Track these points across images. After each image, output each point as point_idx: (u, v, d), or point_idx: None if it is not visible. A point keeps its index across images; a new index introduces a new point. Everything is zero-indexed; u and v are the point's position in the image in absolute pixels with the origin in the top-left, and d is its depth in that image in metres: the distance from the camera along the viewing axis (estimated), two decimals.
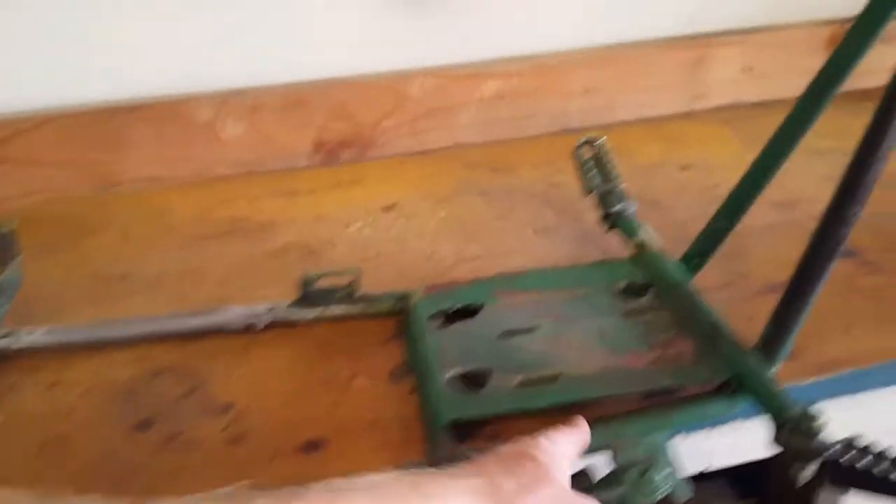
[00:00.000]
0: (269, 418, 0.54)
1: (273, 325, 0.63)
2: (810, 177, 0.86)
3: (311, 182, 0.90)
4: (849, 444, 0.42)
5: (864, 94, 0.79)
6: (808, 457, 0.43)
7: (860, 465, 0.40)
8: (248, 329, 0.62)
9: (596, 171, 0.70)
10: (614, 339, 0.55)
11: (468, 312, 0.60)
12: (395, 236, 0.78)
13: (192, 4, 0.85)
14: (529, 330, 0.57)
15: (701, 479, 0.95)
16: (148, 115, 0.86)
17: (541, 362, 0.53)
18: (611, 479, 0.48)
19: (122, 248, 0.76)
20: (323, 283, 0.63)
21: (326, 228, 0.79)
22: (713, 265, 0.66)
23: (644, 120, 1.02)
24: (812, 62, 1.03)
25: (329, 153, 0.94)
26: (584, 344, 0.55)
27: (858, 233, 0.74)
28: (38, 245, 0.74)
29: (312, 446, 0.52)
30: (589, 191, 0.70)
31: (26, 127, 0.83)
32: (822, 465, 0.43)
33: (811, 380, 0.56)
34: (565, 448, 0.43)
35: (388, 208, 0.83)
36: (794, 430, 0.44)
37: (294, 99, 0.90)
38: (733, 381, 0.51)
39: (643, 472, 0.48)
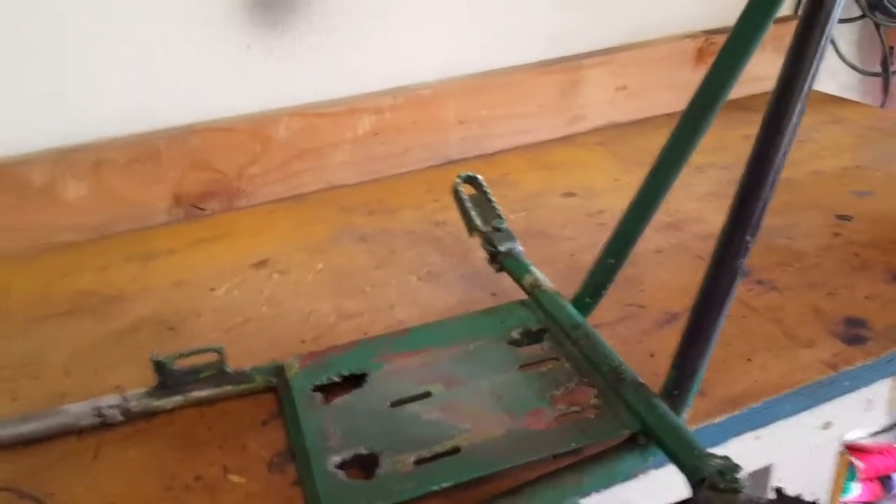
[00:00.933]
0: None
1: (128, 420, 0.54)
2: (692, 195, 0.85)
3: (169, 241, 0.81)
4: (777, 497, 0.39)
5: (733, 105, 0.79)
6: None
7: None
8: (98, 426, 0.53)
9: (477, 210, 0.65)
10: (512, 399, 0.50)
11: (350, 383, 0.53)
12: (268, 297, 0.70)
13: (25, 51, 0.76)
14: (420, 397, 0.51)
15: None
16: None
17: (436, 435, 0.48)
18: None
19: None
20: (184, 364, 0.55)
21: (187, 296, 0.71)
22: (607, 298, 0.62)
23: (523, 146, 0.99)
24: (682, 76, 1.04)
25: (191, 207, 0.86)
26: (481, 408, 0.50)
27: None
28: None
29: None
30: (472, 231, 0.65)
31: None
32: None
33: (721, 418, 0.53)
34: None
35: (259, 265, 0.76)
36: (714, 488, 0.41)
37: (145, 150, 0.81)
38: (642, 434, 0.47)
39: None
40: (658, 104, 1.06)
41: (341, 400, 0.52)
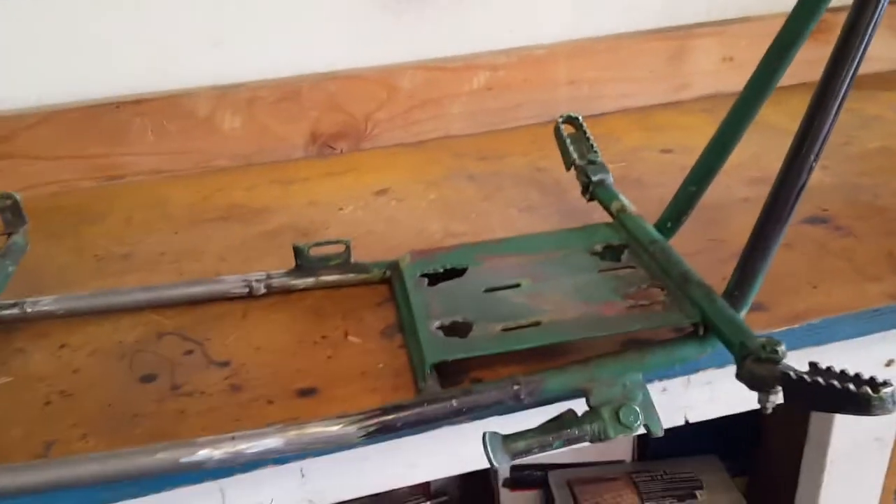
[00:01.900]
0: (265, 371, 0.57)
1: (270, 293, 0.66)
2: (783, 156, 0.89)
3: (305, 171, 0.93)
4: (810, 367, 0.45)
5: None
6: (770, 383, 0.46)
7: (820, 382, 0.42)
8: (246, 296, 0.65)
9: (575, 146, 0.73)
10: (590, 292, 0.58)
11: (453, 275, 0.63)
12: (387, 217, 0.81)
13: (193, 3, 0.89)
14: (510, 287, 0.60)
15: (694, 454, 0.98)
16: (149, 110, 0.90)
17: (522, 312, 0.56)
18: (588, 418, 0.51)
19: (124, 233, 0.80)
20: (317, 252, 0.66)
21: (319, 212, 0.83)
22: (691, 234, 0.69)
23: (628, 109, 1.05)
24: None
25: (323, 145, 0.98)
26: (562, 297, 0.58)
27: (831, 201, 0.78)
28: (42, 233, 0.77)
29: (307, 392, 0.54)
30: (570, 165, 0.73)
31: (30, 123, 0.87)
32: (786, 390, 0.45)
33: (780, 329, 0.59)
34: None
35: (380, 192, 0.87)
36: (757, 359, 0.47)
37: (289, 92, 0.94)
38: (703, 325, 0.54)
39: (618, 409, 0.51)
40: None
41: (444, 284, 0.61)
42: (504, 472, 0.96)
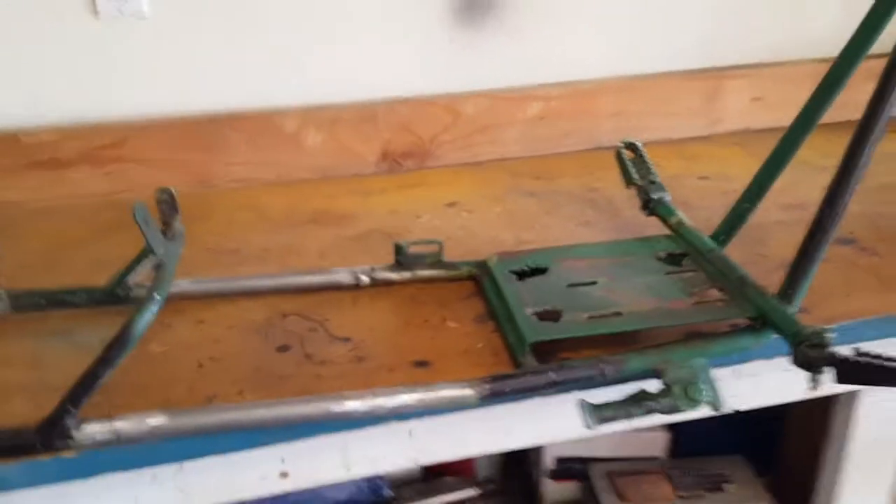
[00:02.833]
0: (382, 346, 0.67)
1: (373, 284, 0.76)
2: (815, 187, 1.00)
3: (379, 184, 1.03)
4: (854, 350, 0.55)
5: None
6: (822, 363, 0.56)
7: (865, 361, 0.52)
8: (353, 286, 0.75)
9: (635, 168, 0.83)
10: (660, 290, 0.68)
11: (536, 272, 0.73)
12: (461, 225, 0.91)
13: (285, 33, 1.00)
14: (589, 284, 0.70)
15: (721, 454, 1.07)
16: (243, 125, 1.00)
17: (603, 305, 0.66)
18: (662, 393, 0.61)
19: (228, 231, 0.89)
20: (414, 250, 0.76)
21: (400, 219, 0.93)
22: (737, 249, 0.79)
23: (667, 141, 1.16)
24: None
25: (393, 162, 1.08)
26: (636, 294, 0.68)
27: (857, 227, 0.89)
28: None
29: (421, 364, 0.64)
30: (630, 183, 0.83)
31: (139, 131, 0.97)
32: (837, 369, 0.55)
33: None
34: None
35: (451, 205, 0.97)
36: (810, 345, 0.57)
37: (367, 114, 1.04)
38: (758, 320, 0.64)
39: (687, 387, 0.61)
40: (790, 117, 1.20)
41: (531, 280, 0.71)
42: (549, 463, 1.05)
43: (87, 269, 0.80)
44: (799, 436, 1.04)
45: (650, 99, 1.14)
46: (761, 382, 0.73)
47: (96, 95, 0.97)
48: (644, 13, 1.13)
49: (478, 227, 0.91)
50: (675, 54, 1.16)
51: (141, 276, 0.72)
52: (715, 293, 0.68)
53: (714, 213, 0.92)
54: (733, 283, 0.67)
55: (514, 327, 0.65)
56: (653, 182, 0.80)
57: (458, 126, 1.09)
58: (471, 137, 1.10)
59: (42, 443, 0.54)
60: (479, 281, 0.75)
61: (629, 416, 0.60)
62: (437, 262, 0.77)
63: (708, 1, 1.14)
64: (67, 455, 0.55)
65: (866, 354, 0.54)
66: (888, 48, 0.62)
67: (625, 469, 1.02)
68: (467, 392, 0.59)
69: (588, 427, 0.58)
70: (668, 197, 0.80)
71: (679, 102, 1.16)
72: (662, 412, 0.61)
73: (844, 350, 0.56)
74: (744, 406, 0.75)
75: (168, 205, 0.68)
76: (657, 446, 1.05)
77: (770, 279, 0.76)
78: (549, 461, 1.05)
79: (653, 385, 0.62)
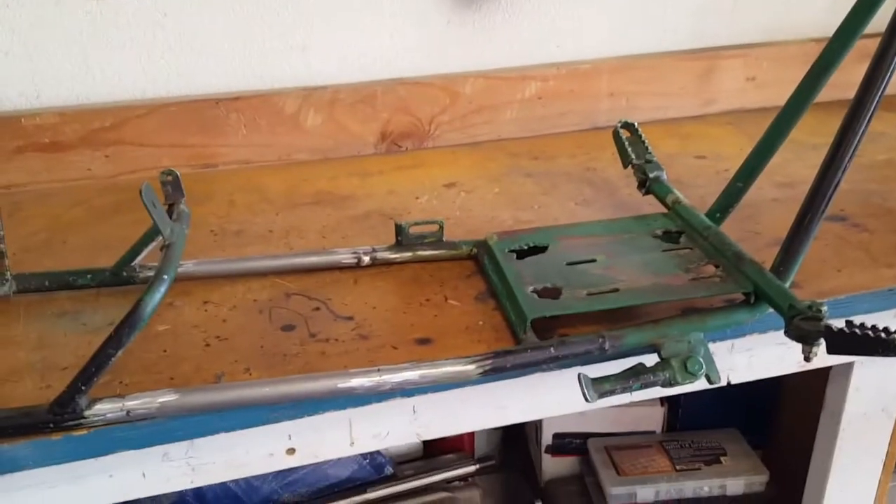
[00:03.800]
0: (385, 324, 0.68)
1: (374, 264, 0.77)
2: (806, 165, 1.01)
3: (378, 165, 1.04)
4: (846, 323, 0.56)
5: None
6: (817, 336, 0.57)
7: (858, 332, 0.54)
8: (354, 266, 0.76)
9: (632, 147, 0.84)
10: (657, 266, 0.70)
11: (536, 251, 0.74)
12: (460, 206, 0.92)
13: (285, 12, 1.01)
14: (588, 261, 0.71)
15: (717, 427, 1.09)
16: (244, 106, 1.01)
17: (601, 281, 0.68)
18: (660, 367, 0.62)
19: (231, 213, 0.90)
20: (415, 230, 0.77)
21: (399, 200, 0.94)
22: (730, 226, 0.80)
23: (662, 120, 1.17)
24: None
25: (391, 143, 1.09)
26: (634, 270, 0.69)
27: (848, 204, 0.90)
28: None
29: (424, 341, 0.65)
30: (627, 163, 0.84)
31: (139, 113, 0.98)
32: (829, 341, 0.56)
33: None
34: None
35: (449, 185, 0.98)
36: (804, 318, 0.58)
37: (366, 95, 1.05)
38: (753, 295, 0.65)
39: (685, 361, 0.62)
40: (783, 96, 1.20)
41: (530, 258, 0.73)
42: (546, 439, 1.07)
43: (90, 251, 0.82)
44: (793, 408, 1.06)
45: (645, 79, 1.15)
46: (756, 356, 0.75)
47: (96, 77, 0.97)
48: None
49: (476, 207, 0.92)
50: (670, 34, 1.17)
51: (145, 257, 0.73)
52: (711, 269, 0.69)
53: (709, 192, 0.93)
54: (729, 260, 0.69)
55: (515, 305, 0.66)
56: (649, 161, 0.82)
57: (456, 107, 1.10)
58: (468, 118, 1.11)
59: (54, 422, 0.55)
60: (480, 260, 0.76)
61: (627, 389, 0.61)
62: (437, 241, 0.78)
63: None
64: (79, 433, 0.56)
65: (859, 326, 0.55)
66: (881, 28, 0.63)
67: (622, 443, 1.04)
68: (470, 367, 0.60)
69: (587, 400, 0.59)
70: (664, 175, 0.82)
71: (673, 82, 1.17)
72: (660, 385, 0.62)
73: (837, 323, 0.58)
74: (739, 379, 0.76)
75: (173, 186, 0.68)
76: (654, 421, 1.07)
77: (762, 255, 0.77)
78: (547, 437, 1.07)
79: (650, 359, 0.63)
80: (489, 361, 0.60)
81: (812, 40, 1.21)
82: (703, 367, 0.62)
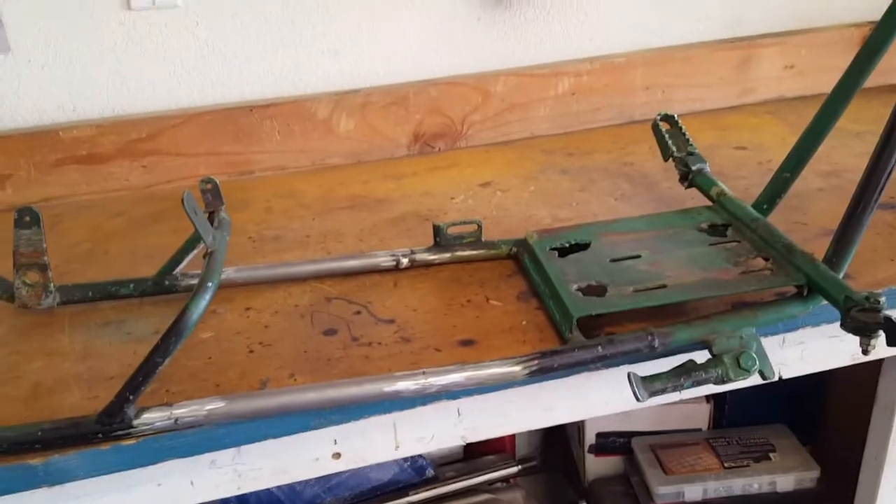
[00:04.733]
0: (427, 326, 0.67)
1: (413, 266, 0.76)
2: (850, 153, 0.99)
3: (411, 167, 1.04)
4: None
5: (891, 89, 0.92)
6: (876, 328, 0.55)
7: None
8: (393, 268, 0.75)
9: (672, 140, 0.83)
10: (704, 261, 0.68)
11: (578, 249, 0.73)
12: (496, 205, 0.91)
13: (315, 18, 1.00)
14: (632, 257, 0.70)
15: (763, 423, 1.07)
16: (277, 113, 1.01)
17: (648, 277, 0.66)
18: (712, 363, 0.61)
19: (268, 219, 0.90)
20: (453, 230, 0.76)
21: (435, 201, 0.93)
22: (777, 217, 0.79)
23: (699, 112, 1.15)
24: (847, 60, 1.18)
25: (424, 144, 1.08)
26: (680, 266, 0.68)
27: None
28: None
29: (467, 343, 0.65)
30: (668, 156, 0.82)
31: (174, 123, 0.98)
32: (888, 332, 0.54)
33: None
34: None
35: (485, 185, 0.97)
36: (861, 309, 0.57)
37: (398, 97, 1.04)
38: (806, 287, 0.63)
39: (737, 357, 0.60)
40: (823, 83, 1.18)
41: (572, 256, 0.71)
42: (590, 439, 1.06)
43: (131, 260, 0.82)
44: (841, 402, 1.03)
45: (681, 71, 1.13)
46: (808, 350, 0.73)
47: (130, 88, 0.98)
48: None
49: (513, 206, 0.91)
50: (704, 24, 1.15)
51: (186, 265, 0.73)
52: (760, 262, 0.67)
53: (752, 183, 0.91)
54: (779, 252, 0.67)
55: (560, 303, 0.65)
56: (691, 153, 0.80)
57: (488, 105, 1.09)
58: (501, 116, 1.10)
59: (103, 432, 0.55)
60: (520, 259, 0.75)
61: (679, 387, 0.60)
62: (476, 241, 0.77)
63: None
64: (127, 443, 0.56)
65: None
66: None
67: (668, 442, 1.02)
68: (516, 368, 0.59)
69: (638, 399, 0.58)
70: (707, 168, 0.80)
71: (710, 73, 1.14)
72: (713, 382, 0.60)
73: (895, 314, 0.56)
74: (791, 374, 0.74)
75: (213, 194, 0.68)
76: (699, 418, 1.05)
77: (811, 246, 0.75)
78: (590, 437, 1.06)
79: (700, 356, 0.62)
80: (535, 362, 0.59)
81: (852, 25, 1.18)
82: (757, 362, 0.60)
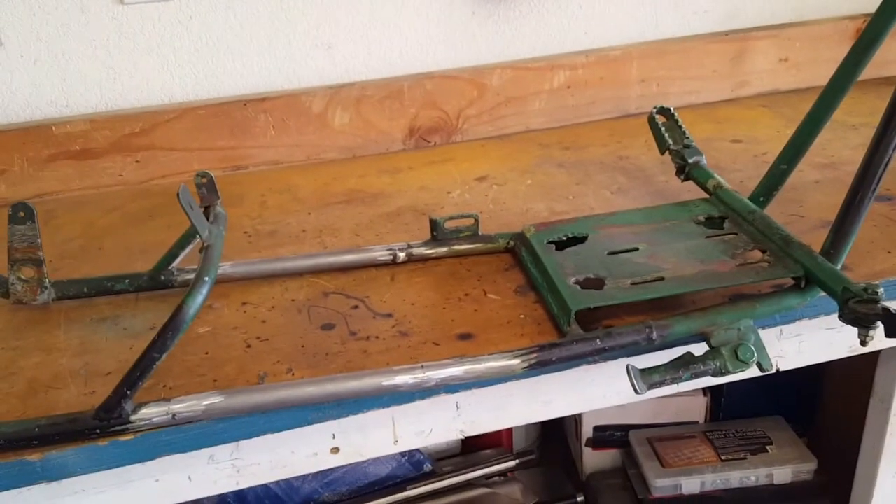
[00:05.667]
0: (425, 320, 0.67)
1: (410, 260, 0.76)
2: (847, 145, 0.99)
3: (407, 162, 1.03)
4: None
5: (886, 81, 0.91)
6: (874, 319, 0.55)
7: None
8: (390, 262, 0.75)
9: (669, 133, 0.83)
10: (702, 253, 0.68)
11: (575, 242, 0.72)
12: (492, 199, 0.91)
13: (309, 11, 1.00)
14: (630, 250, 0.70)
15: (760, 415, 1.07)
16: (272, 107, 1.00)
17: (645, 270, 0.66)
18: (710, 356, 0.61)
19: (264, 214, 0.90)
20: (450, 224, 0.76)
21: (431, 195, 0.93)
22: (774, 209, 0.79)
23: (694, 105, 1.15)
24: (842, 52, 1.18)
25: (419, 138, 1.08)
26: (678, 258, 0.68)
27: (893, 184, 0.87)
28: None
29: (465, 336, 0.64)
30: (664, 149, 0.82)
31: (168, 118, 0.98)
32: (887, 324, 0.54)
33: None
34: None
35: (481, 179, 0.97)
36: (859, 301, 0.57)
37: (393, 91, 1.04)
38: (804, 278, 0.64)
39: (735, 349, 0.60)
40: (818, 76, 1.19)
41: (570, 249, 0.71)
42: (587, 432, 1.06)
43: (126, 256, 0.82)
44: (838, 394, 1.03)
45: (676, 64, 1.13)
46: (805, 342, 0.73)
47: (124, 82, 0.97)
48: None
49: (509, 199, 0.90)
50: (700, 17, 1.15)
51: (182, 260, 0.73)
52: (758, 254, 0.67)
53: (748, 176, 0.91)
54: (777, 244, 0.67)
55: (558, 297, 0.65)
56: (688, 146, 0.80)
57: (484, 99, 1.09)
58: (497, 110, 1.10)
59: (100, 427, 0.55)
60: (517, 253, 0.75)
61: (677, 379, 0.60)
62: (473, 235, 0.77)
63: None
64: (125, 438, 0.56)
65: None
66: None
67: (665, 435, 1.03)
68: (514, 362, 0.59)
69: (637, 392, 0.58)
70: (704, 160, 0.80)
71: (705, 66, 1.14)
72: (711, 375, 0.61)
73: (894, 305, 0.56)
74: (788, 366, 0.74)
75: (208, 188, 0.68)
76: (696, 411, 1.05)
77: (808, 238, 0.75)
78: (587, 430, 1.06)
79: (698, 349, 0.62)
80: (534, 355, 0.59)
81: (847, 18, 1.18)
82: (755, 354, 0.60)
